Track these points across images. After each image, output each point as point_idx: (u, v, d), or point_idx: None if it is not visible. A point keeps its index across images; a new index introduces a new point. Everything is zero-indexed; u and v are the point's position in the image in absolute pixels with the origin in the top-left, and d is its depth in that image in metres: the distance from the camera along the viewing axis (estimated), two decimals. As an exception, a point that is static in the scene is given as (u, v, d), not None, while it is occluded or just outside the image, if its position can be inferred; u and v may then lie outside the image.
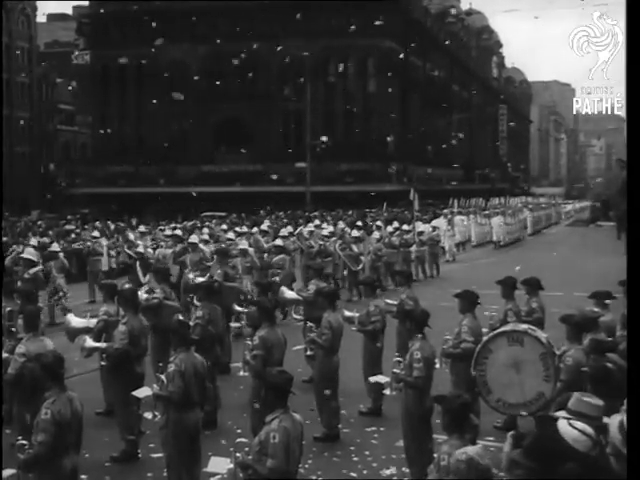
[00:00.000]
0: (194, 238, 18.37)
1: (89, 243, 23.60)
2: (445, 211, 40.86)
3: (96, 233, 25.54)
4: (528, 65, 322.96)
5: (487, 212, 42.33)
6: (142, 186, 64.52)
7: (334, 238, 21.95)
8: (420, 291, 14.47)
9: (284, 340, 9.21)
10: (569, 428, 5.47)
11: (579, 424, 5.48)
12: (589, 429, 5.46)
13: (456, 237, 34.01)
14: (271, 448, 5.81)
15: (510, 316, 10.47)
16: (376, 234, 23.75)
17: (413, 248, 25.07)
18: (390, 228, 25.45)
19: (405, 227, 25.82)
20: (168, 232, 23.84)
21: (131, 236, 23.51)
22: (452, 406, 5.72)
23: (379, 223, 28.50)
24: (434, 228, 27.92)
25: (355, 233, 22.42)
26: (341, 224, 28.07)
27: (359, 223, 27.91)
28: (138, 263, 18.01)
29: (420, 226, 27.97)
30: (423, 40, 77.62)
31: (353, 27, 57.40)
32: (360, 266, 21.11)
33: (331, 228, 24.34)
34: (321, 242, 21.15)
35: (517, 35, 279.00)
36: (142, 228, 28.55)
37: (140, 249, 19.31)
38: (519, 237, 41.73)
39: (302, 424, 6.09)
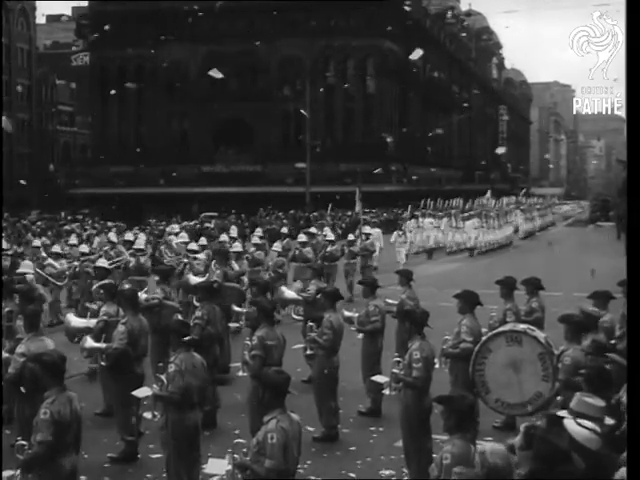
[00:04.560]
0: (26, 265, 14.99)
1: None
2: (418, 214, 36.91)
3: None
4: (528, 66, 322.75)
5: (466, 215, 37.89)
6: (142, 186, 64.52)
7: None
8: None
9: (283, 340, 9.21)
10: (579, 428, 5.46)
11: (588, 423, 5.48)
12: (598, 428, 5.47)
13: (407, 245, 29.33)
14: (269, 448, 5.80)
15: (509, 316, 10.49)
16: (277, 246, 18.87)
17: (343, 260, 21.37)
18: (303, 237, 20.40)
19: (330, 236, 21.38)
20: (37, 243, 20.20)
21: None
22: (460, 407, 5.68)
23: (313, 229, 24.04)
24: (367, 236, 23.45)
25: (237, 247, 17.29)
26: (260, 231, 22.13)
27: (284, 230, 23.00)
28: None
29: (350, 235, 23.99)
30: (423, 41, 77.62)
31: (353, 27, 57.39)
32: (244, 287, 15.12)
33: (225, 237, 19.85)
34: (186, 259, 16.72)
35: (517, 36, 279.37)
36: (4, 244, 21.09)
37: None
38: (507, 242, 38.19)
39: (300, 424, 6.09)
